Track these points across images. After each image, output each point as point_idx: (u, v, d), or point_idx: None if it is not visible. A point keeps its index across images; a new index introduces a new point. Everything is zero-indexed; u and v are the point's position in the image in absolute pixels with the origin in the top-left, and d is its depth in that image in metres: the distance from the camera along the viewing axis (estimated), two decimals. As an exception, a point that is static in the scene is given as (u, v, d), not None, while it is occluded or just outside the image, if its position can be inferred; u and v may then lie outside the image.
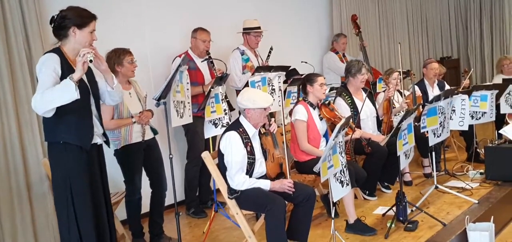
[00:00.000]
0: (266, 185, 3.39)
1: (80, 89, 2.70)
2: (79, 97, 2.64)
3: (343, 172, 3.48)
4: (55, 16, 2.84)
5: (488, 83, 6.02)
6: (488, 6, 9.04)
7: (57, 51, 2.83)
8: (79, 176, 2.85)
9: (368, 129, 4.70)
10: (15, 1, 3.77)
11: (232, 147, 3.33)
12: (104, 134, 3.08)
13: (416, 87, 5.55)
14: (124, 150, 3.82)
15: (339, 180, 3.44)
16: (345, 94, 4.67)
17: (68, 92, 2.62)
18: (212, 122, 4.09)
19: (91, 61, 2.67)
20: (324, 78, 4.33)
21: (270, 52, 5.00)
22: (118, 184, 4.07)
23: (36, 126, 3.83)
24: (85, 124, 2.89)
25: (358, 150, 4.62)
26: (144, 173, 4.01)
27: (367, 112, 4.70)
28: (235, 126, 3.46)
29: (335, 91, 4.87)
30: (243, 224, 3.48)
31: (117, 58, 3.78)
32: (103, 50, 3.82)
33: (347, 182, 3.52)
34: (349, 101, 4.61)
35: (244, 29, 5.07)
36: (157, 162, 4.01)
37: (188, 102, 3.89)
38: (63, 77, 2.72)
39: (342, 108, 4.58)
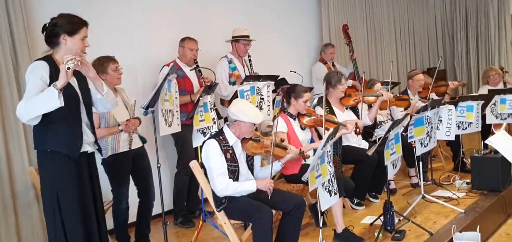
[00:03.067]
0: (251, 185, 3.38)
1: (69, 97, 2.67)
2: (63, 104, 2.60)
3: (331, 181, 3.49)
4: (47, 24, 2.82)
5: (474, 94, 6.09)
6: (474, 18, 9.17)
7: (48, 59, 2.80)
8: (66, 185, 2.81)
9: (351, 136, 4.70)
10: (2, 9, 3.73)
11: (209, 154, 3.34)
12: (96, 142, 3.04)
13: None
14: (111, 159, 3.79)
15: (327, 190, 3.45)
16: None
17: (51, 100, 2.58)
18: (200, 131, 4.09)
19: (69, 68, 2.59)
20: (313, 88, 4.34)
21: (250, 61, 5.07)
22: (105, 193, 4.03)
23: (22, 134, 3.79)
24: (74, 132, 2.85)
25: (346, 160, 4.64)
26: (132, 182, 3.98)
27: (347, 121, 4.70)
28: (216, 134, 3.50)
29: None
30: (231, 234, 3.47)
31: (101, 66, 3.75)
32: (92, 58, 3.81)
33: (335, 191, 3.53)
34: (328, 109, 4.60)
35: (233, 37, 5.09)
36: (145, 171, 3.99)
37: (177, 111, 3.88)
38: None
39: None
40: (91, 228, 2.94)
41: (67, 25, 2.80)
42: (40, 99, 2.61)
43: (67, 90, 2.65)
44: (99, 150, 3.08)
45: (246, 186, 3.38)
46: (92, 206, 2.97)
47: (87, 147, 2.94)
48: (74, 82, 2.86)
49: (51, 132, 2.77)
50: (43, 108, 2.62)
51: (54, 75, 2.74)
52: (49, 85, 2.69)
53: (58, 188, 2.81)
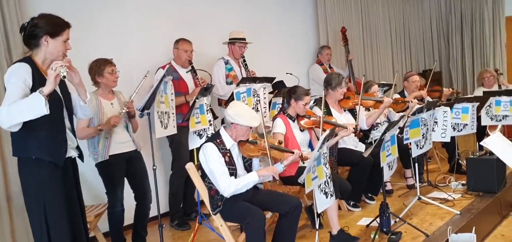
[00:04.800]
0: (253, 176, 3.37)
1: (52, 102, 2.57)
2: (48, 112, 2.48)
3: (328, 183, 3.49)
4: (26, 23, 2.69)
5: (469, 96, 6.12)
6: (469, 20, 9.21)
7: (28, 60, 2.67)
8: (53, 192, 2.71)
9: (347, 139, 4.70)
10: (-3, 10, 3.72)
11: (208, 157, 3.33)
12: (78, 147, 2.96)
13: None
14: (105, 162, 3.77)
15: (323, 191, 3.45)
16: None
17: (37, 107, 2.46)
18: (196, 133, 4.08)
19: (64, 77, 2.52)
20: (309, 89, 4.34)
21: (244, 61, 5.10)
22: (100, 195, 4.02)
23: (17, 136, 3.77)
24: (58, 139, 2.75)
25: (342, 162, 4.64)
26: (128, 186, 3.97)
27: (345, 123, 4.71)
28: (213, 137, 3.48)
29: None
30: (227, 236, 3.45)
31: (98, 69, 3.75)
32: (88, 61, 3.81)
33: (332, 193, 3.53)
34: (325, 111, 4.61)
35: (230, 39, 5.13)
36: (141, 175, 3.98)
37: (173, 113, 3.88)
38: (34, 89, 2.56)
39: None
40: (80, 234, 2.89)
41: (49, 26, 2.67)
42: (24, 106, 2.48)
43: (50, 95, 2.53)
44: (80, 156, 2.98)
45: (247, 178, 3.36)
46: (79, 212, 2.91)
47: (72, 151, 2.87)
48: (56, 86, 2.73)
49: (34, 139, 2.65)
50: (28, 115, 2.49)
51: (37, 78, 2.62)
52: (32, 89, 2.58)
53: (45, 197, 2.69)
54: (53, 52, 2.70)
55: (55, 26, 2.70)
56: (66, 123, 2.85)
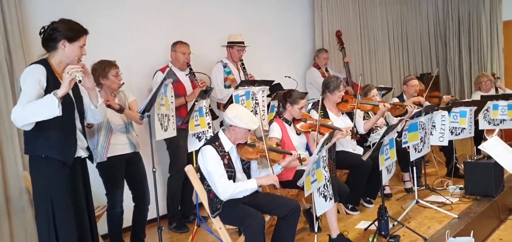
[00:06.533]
0: (252, 183, 3.39)
1: (64, 104, 2.64)
2: (61, 114, 2.57)
3: (327, 186, 3.50)
4: (46, 27, 2.79)
5: (467, 100, 6.15)
6: (466, 24, 9.25)
7: (44, 62, 2.77)
8: (61, 190, 2.78)
9: (346, 142, 4.72)
10: (-3, 12, 3.72)
11: (207, 159, 3.34)
12: (88, 148, 3.02)
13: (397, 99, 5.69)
14: (106, 163, 3.78)
15: (322, 195, 3.45)
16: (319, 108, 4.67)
17: (50, 108, 2.55)
18: (195, 136, 4.09)
19: (80, 81, 2.62)
20: (307, 93, 4.34)
21: (242, 64, 5.11)
22: (99, 197, 4.02)
23: (16, 139, 3.77)
24: (68, 139, 2.83)
25: (341, 165, 4.65)
26: (127, 187, 3.97)
27: (343, 125, 4.71)
28: (212, 140, 3.49)
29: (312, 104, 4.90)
30: (226, 239, 3.46)
31: (102, 70, 3.76)
32: (87, 61, 3.79)
33: (331, 196, 3.54)
34: (322, 114, 4.62)
35: (228, 42, 5.13)
36: (139, 175, 3.98)
37: (172, 116, 3.88)
38: (48, 90, 2.66)
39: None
40: (85, 234, 2.93)
41: (67, 31, 2.77)
42: (39, 106, 2.58)
43: (63, 97, 2.62)
44: (90, 157, 3.05)
45: (246, 185, 3.37)
46: (85, 212, 2.95)
47: (81, 152, 2.93)
48: None
49: (44, 138, 2.74)
50: (42, 115, 2.59)
51: (51, 80, 2.71)
52: (46, 90, 2.67)
53: (53, 194, 2.77)
54: (70, 56, 2.79)
55: (73, 31, 2.80)
56: (77, 124, 2.92)
